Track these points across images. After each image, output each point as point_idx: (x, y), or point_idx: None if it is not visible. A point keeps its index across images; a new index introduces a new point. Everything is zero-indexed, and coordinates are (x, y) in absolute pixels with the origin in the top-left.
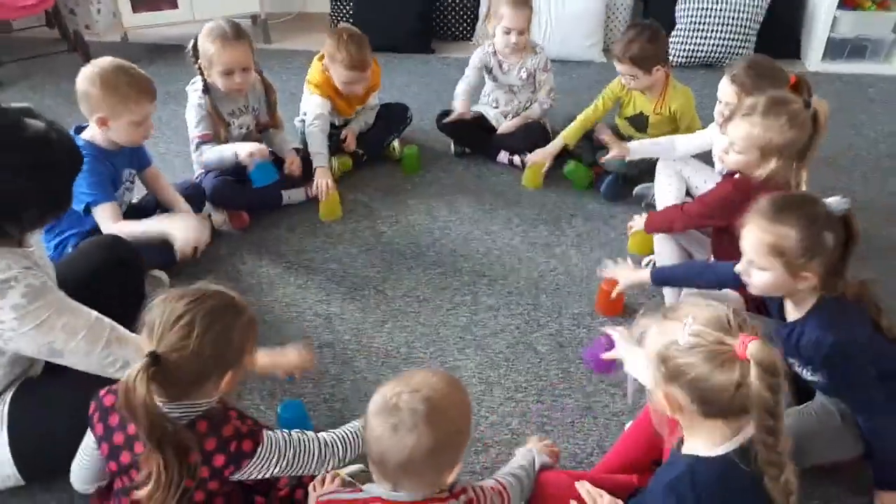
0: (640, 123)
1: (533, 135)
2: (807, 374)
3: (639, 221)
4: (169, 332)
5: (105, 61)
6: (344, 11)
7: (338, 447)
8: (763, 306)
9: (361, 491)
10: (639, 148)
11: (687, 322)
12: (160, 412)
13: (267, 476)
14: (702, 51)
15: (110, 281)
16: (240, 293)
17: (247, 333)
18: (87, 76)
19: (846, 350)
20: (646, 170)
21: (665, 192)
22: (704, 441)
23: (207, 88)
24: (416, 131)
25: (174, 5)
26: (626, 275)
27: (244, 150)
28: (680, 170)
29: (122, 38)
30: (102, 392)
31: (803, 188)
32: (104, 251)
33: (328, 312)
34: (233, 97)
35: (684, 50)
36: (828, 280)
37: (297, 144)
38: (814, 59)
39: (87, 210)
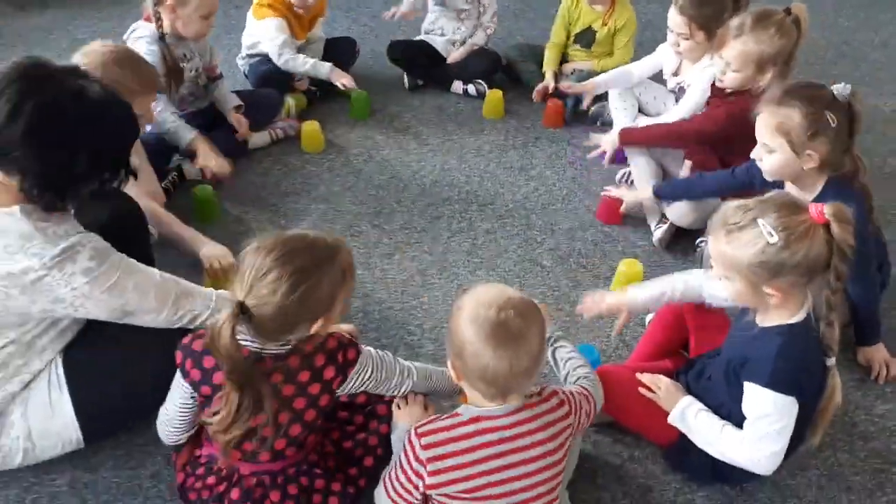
0: (587, 39)
1: (483, 62)
2: None
3: (605, 139)
4: (257, 285)
5: (106, 48)
6: None
7: (413, 376)
8: None
9: (459, 415)
10: (601, 82)
11: (764, 222)
12: (243, 357)
13: (359, 390)
14: None
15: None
16: (231, 242)
17: (339, 285)
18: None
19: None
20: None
21: (621, 109)
22: (789, 310)
23: (162, 35)
24: (360, 68)
25: None
26: (629, 193)
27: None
28: (632, 87)
29: None
30: (186, 340)
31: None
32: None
33: None
34: (186, 42)
35: None
36: (834, 160)
37: (238, 101)
38: None
39: None
